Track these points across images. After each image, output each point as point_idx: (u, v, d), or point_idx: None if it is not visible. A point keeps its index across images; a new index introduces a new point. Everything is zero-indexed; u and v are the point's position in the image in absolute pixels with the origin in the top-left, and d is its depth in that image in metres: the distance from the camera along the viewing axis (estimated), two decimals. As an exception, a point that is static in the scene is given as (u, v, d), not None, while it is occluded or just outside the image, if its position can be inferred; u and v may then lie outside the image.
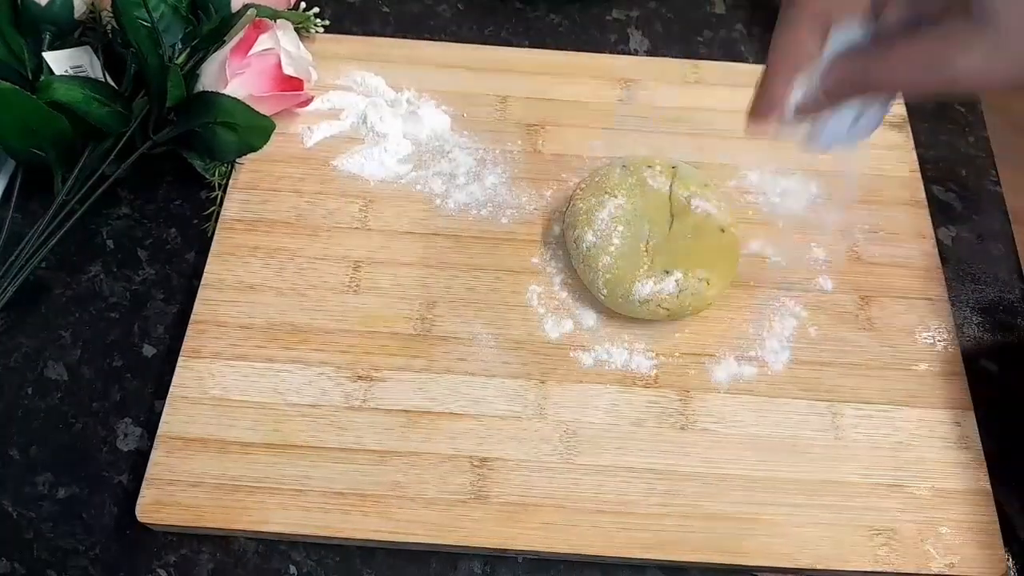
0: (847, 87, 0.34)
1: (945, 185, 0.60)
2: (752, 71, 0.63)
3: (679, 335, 0.52)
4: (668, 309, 0.50)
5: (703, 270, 0.50)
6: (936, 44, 0.31)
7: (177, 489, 0.46)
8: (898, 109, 0.61)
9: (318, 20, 0.62)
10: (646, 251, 0.50)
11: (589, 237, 0.51)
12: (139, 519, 0.46)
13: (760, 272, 0.55)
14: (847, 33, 0.34)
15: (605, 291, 0.50)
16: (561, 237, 0.55)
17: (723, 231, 0.51)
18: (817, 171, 0.58)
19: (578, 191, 0.53)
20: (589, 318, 0.52)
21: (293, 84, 0.57)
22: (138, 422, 0.50)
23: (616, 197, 0.51)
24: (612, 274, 0.50)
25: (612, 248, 0.50)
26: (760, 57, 0.66)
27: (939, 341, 0.52)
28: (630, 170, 0.53)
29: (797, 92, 0.35)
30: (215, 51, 0.57)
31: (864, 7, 0.33)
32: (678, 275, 0.49)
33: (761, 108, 0.36)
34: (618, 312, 0.52)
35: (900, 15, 0.33)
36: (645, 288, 0.49)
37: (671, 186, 0.52)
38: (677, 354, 0.52)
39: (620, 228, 0.50)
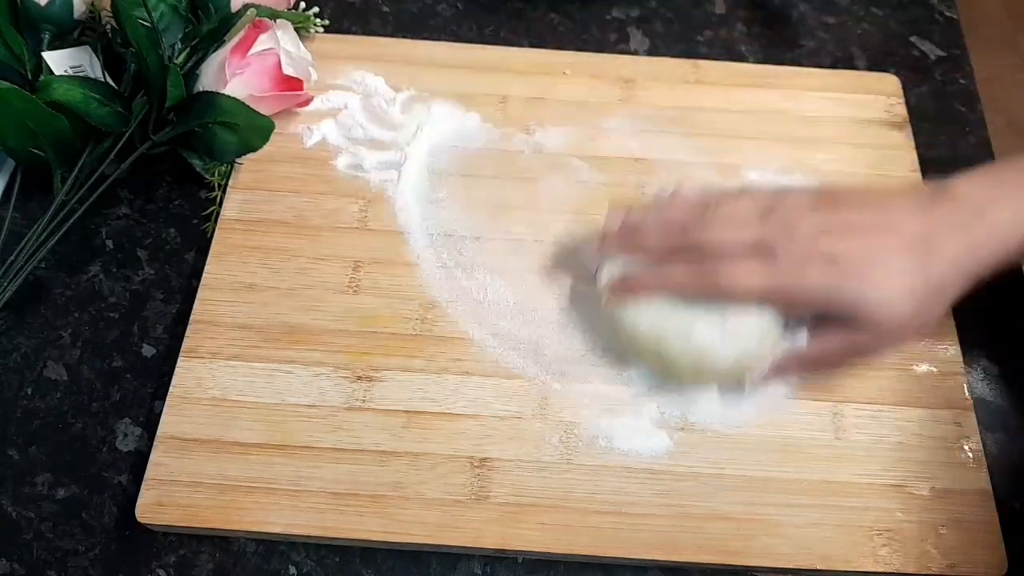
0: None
1: (945, 185, 0.60)
2: (752, 71, 0.64)
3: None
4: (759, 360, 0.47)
5: (771, 310, 0.45)
6: (849, 344, 0.46)
7: (177, 489, 0.46)
8: (899, 109, 0.61)
9: (318, 20, 0.62)
10: (710, 314, 0.45)
11: (646, 325, 0.46)
12: (139, 519, 0.46)
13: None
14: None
15: (690, 372, 0.47)
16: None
17: None
18: (817, 171, 0.58)
19: (605, 274, 0.48)
20: (589, 318, 0.52)
21: (293, 84, 0.57)
22: (138, 422, 0.50)
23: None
24: (688, 357, 0.46)
25: (676, 328, 0.46)
26: (760, 57, 0.66)
27: (939, 341, 0.52)
28: None
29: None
30: (215, 51, 0.57)
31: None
32: (754, 328, 0.45)
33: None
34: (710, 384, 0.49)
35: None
36: (729, 353, 0.45)
37: None
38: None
39: (672, 300, 0.46)
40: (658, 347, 0.47)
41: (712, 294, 0.45)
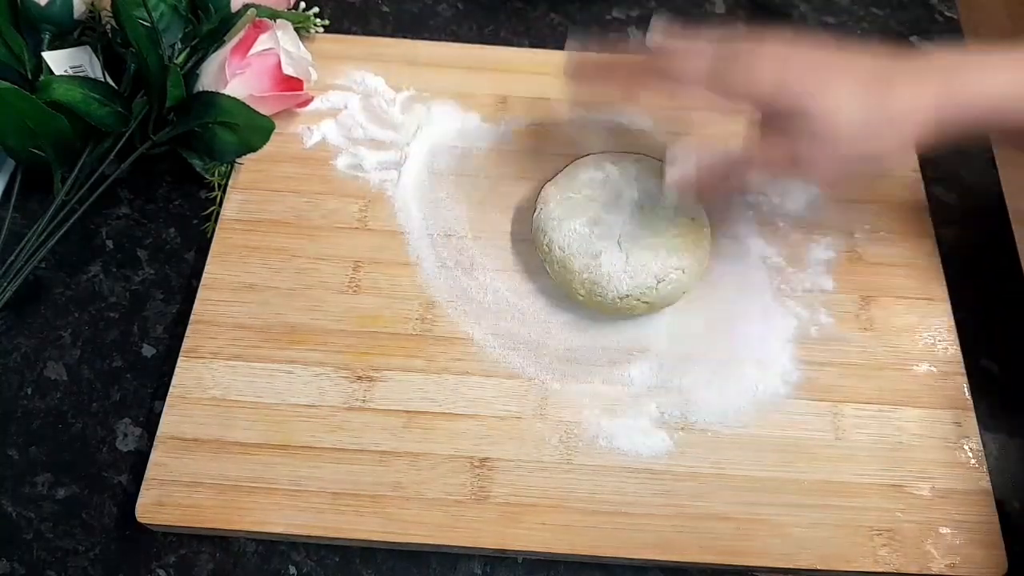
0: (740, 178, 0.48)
1: (945, 185, 0.60)
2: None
3: (680, 335, 0.52)
4: (648, 303, 0.50)
5: (677, 259, 0.50)
6: (791, 148, 0.45)
7: (176, 489, 0.46)
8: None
9: (318, 20, 0.62)
10: (619, 248, 0.50)
11: (561, 240, 0.50)
12: (139, 519, 0.46)
13: (760, 272, 0.54)
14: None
15: (583, 292, 0.50)
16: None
17: (693, 219, 0.51)
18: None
19: (544, 194, 0.53)
20: (588, 318, 0.52)
21: (293, 84, 0.57)
22: (138, 422, 0.50)
23: (583, 196, 0.52)
24: (588, 274, 0.50)
25: (586, 249, 0.50)
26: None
27: (939, 341, 0.52)
28: (595, 167, 0.53)
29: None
30: (215, 51, 0.57)
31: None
32: (655, 268, 0.49)
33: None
34: (598, 311, 0.52)
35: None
36: (623, 285, 0.49)
37: (636, 179, 0.52)
38: (677, 354, 0.51)
39: (592, 228, 0.50)
40: (565, 261, 0.50)
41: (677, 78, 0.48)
